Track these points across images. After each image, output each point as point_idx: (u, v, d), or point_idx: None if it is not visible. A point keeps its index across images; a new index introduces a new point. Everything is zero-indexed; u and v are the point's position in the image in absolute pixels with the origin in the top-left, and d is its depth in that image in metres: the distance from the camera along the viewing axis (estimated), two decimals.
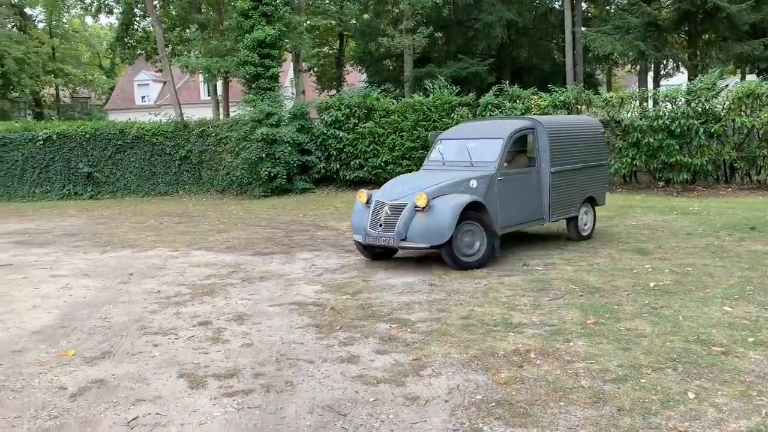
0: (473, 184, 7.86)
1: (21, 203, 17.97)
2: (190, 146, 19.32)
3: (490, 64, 25.40)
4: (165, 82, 42.71)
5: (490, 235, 7.82)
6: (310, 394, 4.00)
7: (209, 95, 37.46)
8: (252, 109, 18.30)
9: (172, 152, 19.25)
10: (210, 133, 19.42)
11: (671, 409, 3.62)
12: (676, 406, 3.66)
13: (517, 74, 26.25)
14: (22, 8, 40.59)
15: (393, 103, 18.31)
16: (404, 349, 4.79)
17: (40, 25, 45.59)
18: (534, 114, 16.10)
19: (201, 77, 32.83)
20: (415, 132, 17.63)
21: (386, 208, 7.85)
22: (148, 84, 44.28)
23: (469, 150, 8.47)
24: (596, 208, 9.67)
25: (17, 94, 43.51)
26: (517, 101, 16.93)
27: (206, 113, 26.02)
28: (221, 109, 26.43)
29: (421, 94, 18.58)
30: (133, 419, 3.70)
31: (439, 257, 8.14)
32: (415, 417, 3.65)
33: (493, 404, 3.77)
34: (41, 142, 18.44)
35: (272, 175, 17.76)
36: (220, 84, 26.52)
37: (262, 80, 18.74)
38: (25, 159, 18.49)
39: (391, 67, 29.44)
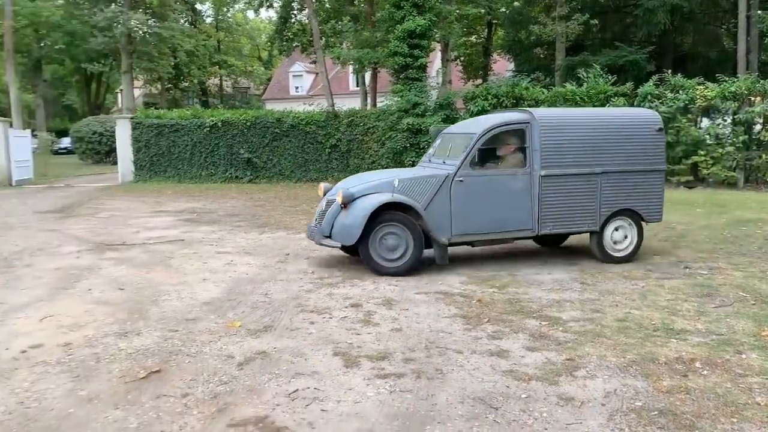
0: (396, 183, 7.26)
1: (189, 184, 19.63)
2: (340, 135, 20.02)
3: (650, 51, 23.82)
4: (317, 74, 44.62)
5: (419, 241, 7.15)
6: (460, 383, 4.02)
7: (358, 86, 38.58)
8: (399, 99, 18.61)
9: (323, 140, 20.07)
10: (358, 123, 20.00)
11: None
12: None
13: (680, 63, 24.40)
14: (193, 4, 44.16)
15: (543, 93, 17.77)
16: (556, 348, 4.65)
17: (208, 20, 49.39)
18: (692, 103, 14.86)
19: (351, 68, 33.94)
20: None
21: (323, 202, 7.65)
22: (301, 75, 46.46)
23: (451, 146, 7.78)
24: (646, 225, 7.94)
25: (187, 84, 47.60)
26: (680, 91, 15.75)
27: (355, 103, 26.85)
28: (369, 100, 27.12)
29: (574, 83, 17.85)
30: (294, 391, 3.92)
31: (591, 252, 7.86)
32: (569, 418, 3.55)
33: (655, 413, 3.56)
34: (208, 129, 19.99)
35: (415, 164, 17.95)
36: (368, 75, 27.22)
37: (411, 70, 18.96)
38: (194, 144, 20.15)
39: (541, 56, 28.57)
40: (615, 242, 7.75)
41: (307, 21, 27.43)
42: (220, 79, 52.16)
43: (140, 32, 32.03)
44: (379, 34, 21.24)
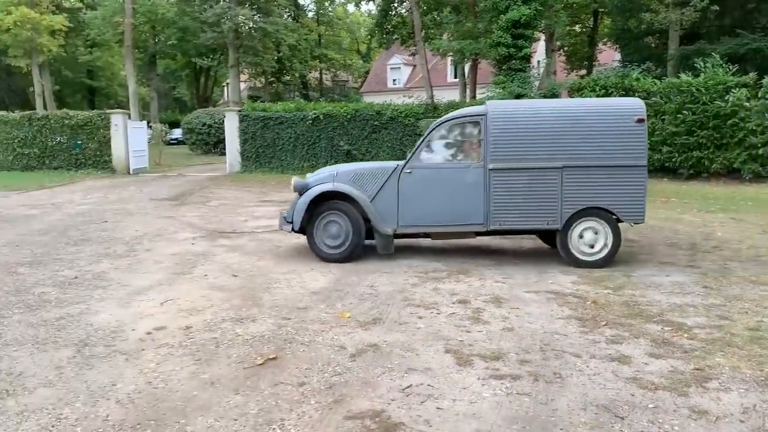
0: (335, 174, 7.70)
1: (294, 175, 20.21)
2: None
3: None
4: (415, 66, 44.66)
5: (358, 230, 7.44)
6: (581, 389, 3.84)
7: (456, 77, 38.26)
8: (501, 90, 18.25)
9: (421, 133, 20.01)
10: None
11: None
12: None
13: None
14: None
15: (655, 84, 16.83)
16: (682, 356, 4.36)
17: (310, 14, 50.50)
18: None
19: (449, 60, 33.68)
20: (679, 116, 16.02)
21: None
22: (399, 67, 46.61)
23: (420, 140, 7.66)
24: (623, 226, 7.32)
25: (288, 78, 48.98)
26: None
27: (452, 95, 26.64)
28: (468, 91, 26.81)
29: (689, 73, 16.79)
30: (408, 387, 3.89)
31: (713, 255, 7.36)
32: None
33: None
34: (310, 122, 20.44)
35: None
36: (467, 66, 26.89)
37: (514, 61, 18.59)
38: (297, 136, 20.68)
39: (651, 45, 27.13)
40: (585, 244, 7.19)
41: (407, 13, 27.45)
42: (320, 73, 53.29)
43: (246, 27, 33.27)
44: (481, 24, 20.91)
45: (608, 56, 34.11)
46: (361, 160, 20.23)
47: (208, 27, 33.26)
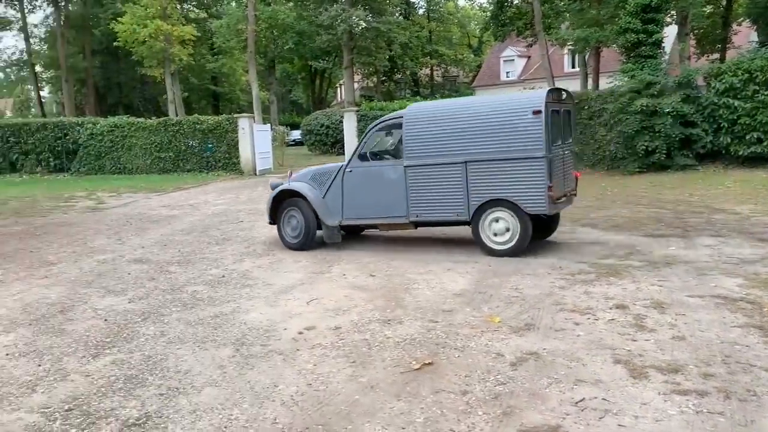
0: (288, 174, 9.16)
1: None
2: None
3: None
4: (529, 57, 43.47)
5: (309, 223, 8.46)
6: None
7: (573, 67, 36.83)
8: (629, 79, 17.23)
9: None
10: (582, 106, 18.91)
11: None
12: None
13: None
14: None
15: None
16: None
17: (420, 11, 50.52)
18: None
19: (566, 49, 32.42)
20: None
21: None
22: (513, 60, 45.52)
23: None
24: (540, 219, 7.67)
25: (400, 76, 49.33)
26: None
27: (570, 85, 25.43)
28: (590, 81, 25.64)
29: None
30: (581, 400, 3.62)
31: None
32: None
33: None
34: None
35: (650, 149, 16.53)
36: (587, 55, 25.72)
37: (644, 47, 17.49)
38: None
39: None
40: (495, 234, 7.54)
41: (523, 4, 26.69)
42: (431, 69, 53.22)
43: (360, 28, 33.78)
44: (606, 10, 19.87)
45: (743, 38, 31.38)
46: None
47: (323, 30, 34.12)
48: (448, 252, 8.03)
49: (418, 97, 25.99)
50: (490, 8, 29.55)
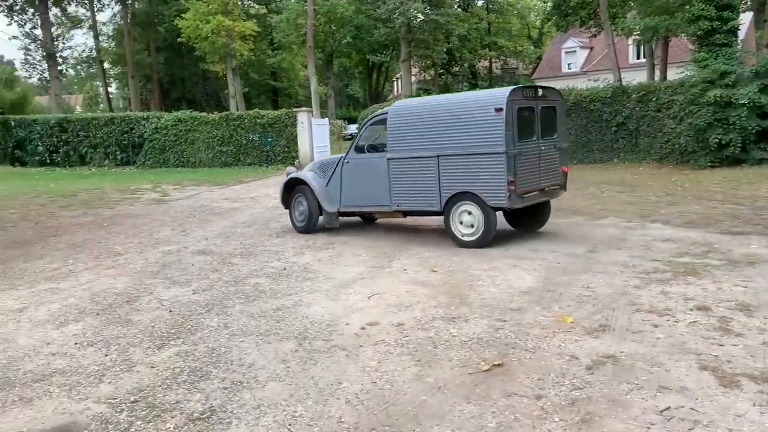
0: (295, 163, 9.16)
1: None
2: (628, 112, 18.45)
3: None
4: (592, 48, 42.22)
5: (313, 209, 9.28)
6: None
7: (639, 58, 35.58)
8: (702, 69, 16.42)
9: (608, 118, 18.72)
10: (650, 98, 18.18)
11: None
12: None
13: None
14: None
15: None
16: None
17: (479, 3, 49.71)
18: None
19: (631, 39, 31.26)
20: None
21: None
22: (575, 51, 44.32)
23: None
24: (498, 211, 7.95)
25: (457, 69, 48.72)
26: None
27: (635, 77, 24.57)
28: (657, 72, 24.65)
29: None
30: (666, 409, 3.37)
31: None
32: None
33: None
34: None
35: (723, 142, 15.72)
36: (654, 45, 24.72)
37: (717, 35, 16.67)
38: None
39: None
40: (462, 225, 7.86)
41: None
42: (490, 62, 52.28)
43: (417, 21, 33.47)
44: None
45: None
46: None
47: (381, 23, 33.98)
48: (512, 247, 7.78)
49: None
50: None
